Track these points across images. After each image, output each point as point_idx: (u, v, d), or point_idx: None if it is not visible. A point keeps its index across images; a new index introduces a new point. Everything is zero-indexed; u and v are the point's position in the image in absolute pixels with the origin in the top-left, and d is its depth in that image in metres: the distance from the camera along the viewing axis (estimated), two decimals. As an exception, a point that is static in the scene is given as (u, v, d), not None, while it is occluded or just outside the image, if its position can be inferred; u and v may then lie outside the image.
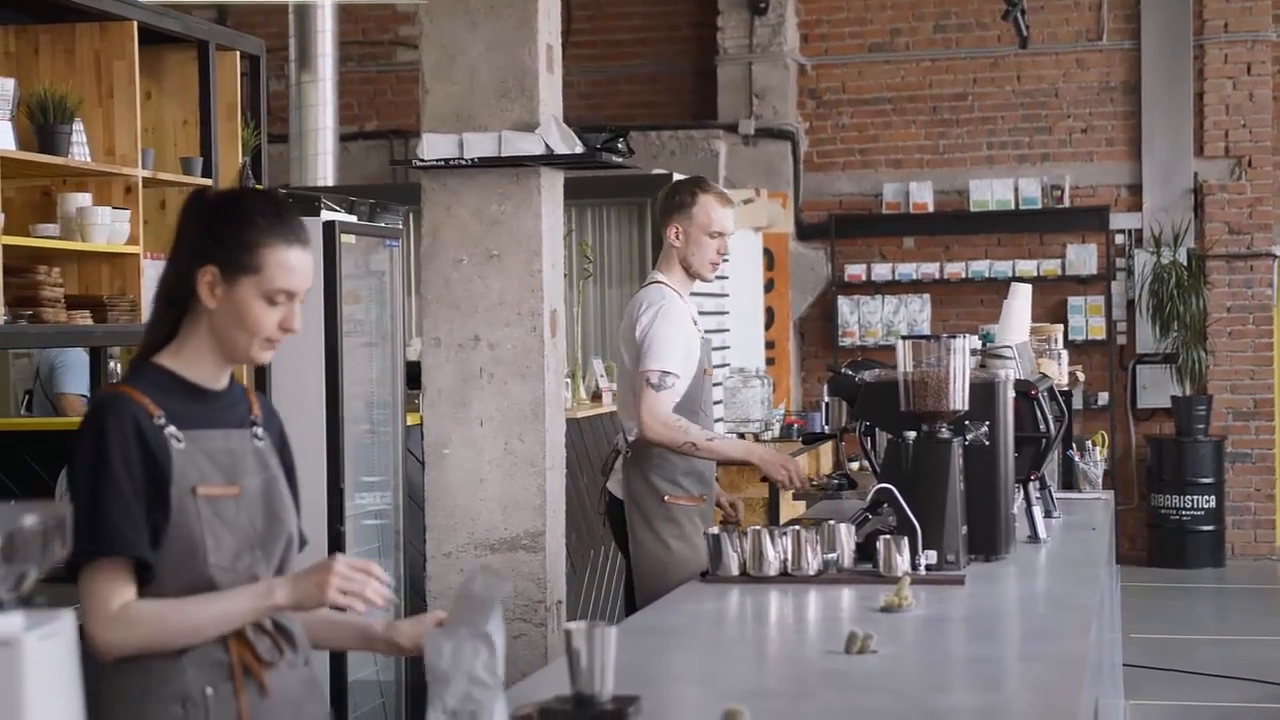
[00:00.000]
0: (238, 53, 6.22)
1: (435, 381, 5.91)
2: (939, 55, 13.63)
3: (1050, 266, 13.17)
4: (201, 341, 2.94)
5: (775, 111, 13.59)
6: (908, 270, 13.45)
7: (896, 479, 4.53)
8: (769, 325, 13.01)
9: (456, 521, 5.85)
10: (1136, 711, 8.11)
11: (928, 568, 4.42)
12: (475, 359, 5.97)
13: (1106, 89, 13.39)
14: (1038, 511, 5.24)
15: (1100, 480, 6.71)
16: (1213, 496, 12.80)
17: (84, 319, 5.23)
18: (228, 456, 2.95)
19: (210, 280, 2.89)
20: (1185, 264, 12.90)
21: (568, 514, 6.22)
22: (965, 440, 4.65)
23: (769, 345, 13.00)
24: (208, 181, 5.88)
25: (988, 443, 4.73)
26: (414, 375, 6.28)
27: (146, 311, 5.56)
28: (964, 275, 13.35)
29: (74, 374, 7.20)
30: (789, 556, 4.43)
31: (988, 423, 4.72)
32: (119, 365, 6.44)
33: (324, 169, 10.63)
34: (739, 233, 9.35)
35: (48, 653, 1.85)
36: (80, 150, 5.31)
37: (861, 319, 13.52)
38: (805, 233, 13.67)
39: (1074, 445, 6.78)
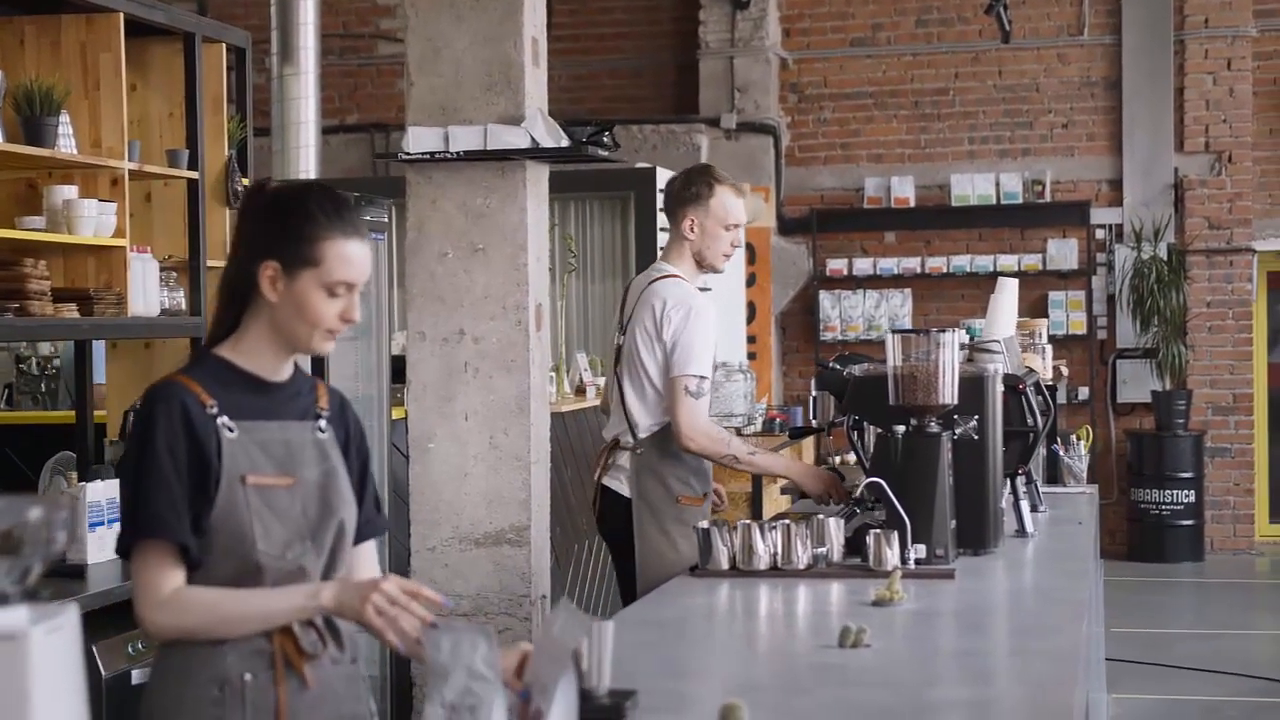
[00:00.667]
0: (224, 45, 6.19)
1: (420, 375, 5.91)
2: (920, 50, 13.65)
3: (1031, 261, 13.19)
4: (262, 334, 2.98)
5: (757, 106, 13.59)
6: (889, 265, 13.47)
7: (886, 473, 4.53)
8: (750, 320, 13.02)
9: (441, 516, 5.84)
10: (1119, 705, 8.13)
11: (917, 562, 4.42)
12: (460, 353, 5.97)
13: (1087, 84, 13.42)
14: (1025, 506, 5.25)
15: (1085, 475, 6.73)
16: (1192, 491, 12.84)
17: (70, 312, 5.20)
18: (283, 448, 2.98)
19: (272, 275, 2.94)
20: (1165, 259, 12.93)
21: (552, 508, 6.21)
22: (954, 434, 4.65)
23: (750, 340, 13.01)
24: (194, 174, 5.86)
25: (976, 437, 4.73)
26: (398, 369, 6.27)
27: (133, 304, 5.55)
28: (945, 270, 13.36)
29: None
30: (779, 551, 4.43)
31: (976, 417, 4.72)
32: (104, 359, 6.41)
33: (306, 162, 10.55)
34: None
35: (53, 646, 1.84)
36: (66, 142, 5.29)
37: (843, 314, 13.53)
38: (787, 227, 13.68)
39: (1058, 440, 6.79)
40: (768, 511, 9.37)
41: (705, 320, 5.26)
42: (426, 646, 2.65)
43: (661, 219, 10.21)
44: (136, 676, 4.62)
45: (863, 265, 13.50)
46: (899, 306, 13.45)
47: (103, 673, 4.55)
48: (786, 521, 4.49)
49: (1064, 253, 13.22)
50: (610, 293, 10.49)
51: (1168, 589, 12.02)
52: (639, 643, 3.56)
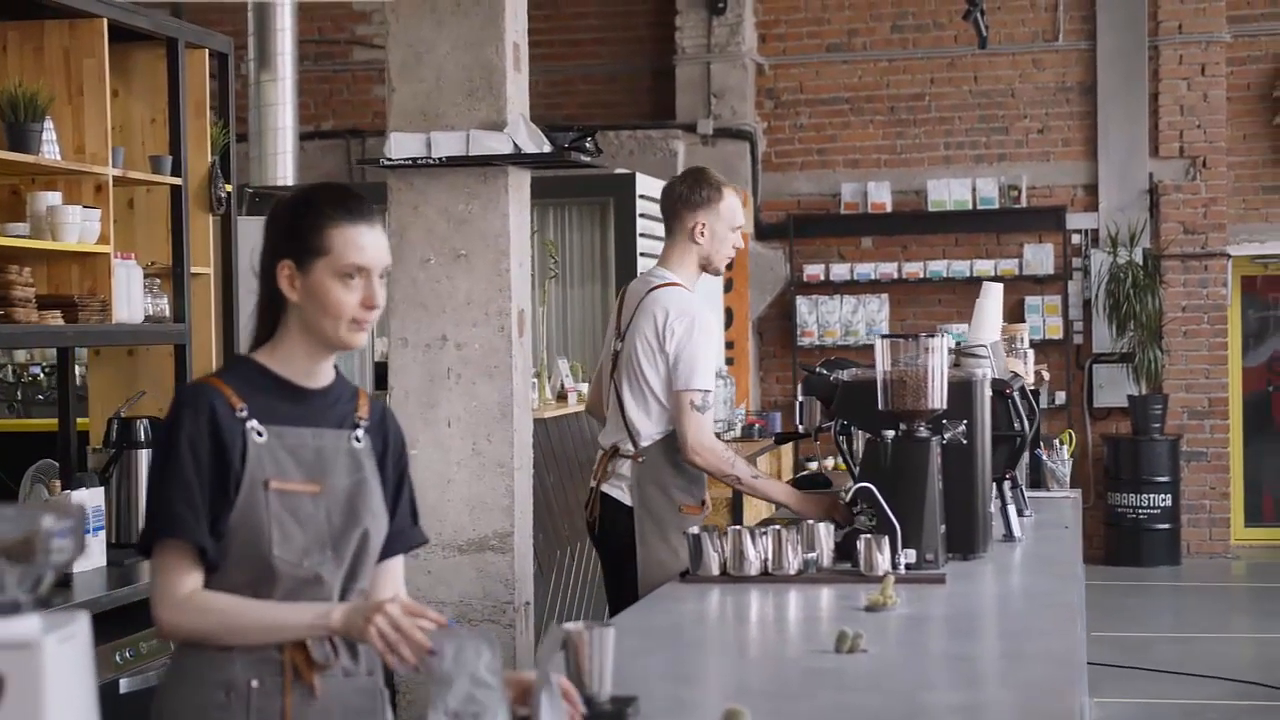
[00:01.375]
0: (206, 50, 6.16)
1: (402, 382, 5.89)
2: (896, 55, 13.67)
3: (1007, 266, 13.22)
4: (294, 338, 2.99)
5: (733, 111, 13.60)
6: (866, 270, 13.48)
7: (875, 478, 4.53)
8: (728, 325, 13.02)
9: (424, 522, 5.81)
10: (1101, 709, 8.15)
11: (907, 567, 4.42)
12: (443, 359, 5.96)
13: (1063, 89, 13.46)
14: (1012, 510, 5.26)
15: (1068, 479, 6.74)
16: (1169, 495, 12.88)
17: (55, 319, 5.17)
18: (314, 455, 2.98)
19: (288, 274, 2.96)
20: (1141, 264, 12.98)
21: (535, 515, 6.20)
22: (943, 439, 4.65)
23: (728, 345, 13.01)
24: (177, 181, 5.83)
25: (965, 441, 4.73)
26: (381, 375, 6.25)
27: (117, 312, 5.52)
28: (922, 275, 13.38)
29: None
30: (769, 556, 4.43)
31: (965, 422, 4.73)
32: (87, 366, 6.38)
33: (284, 168, 10.57)
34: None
35: (66, 655, 1.84)
36: (50, 148, 5.26)
37: (820, 319, 13.54)
38: (763, 233, 13.69)
39: (1041, 444, 6.80)
40: (748, 517, 9.38)
41: (709, 331, 5.21)
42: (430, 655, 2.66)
43: (643, 225, 10.22)
44: (125, 685, 4.59)
45: (839, 271, 13.52)
46: (876, 312, 13.47)
47: (91, 681, 4.51)
48: (777, 527, 4.48)
49: (1040, 258, 13.26)
50: (589, 298, 10.47)
51: (1145, 593, 12.05)
52: (633, 649, 3.54)
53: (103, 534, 5.13)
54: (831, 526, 4.58)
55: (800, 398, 5.38)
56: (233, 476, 2.90)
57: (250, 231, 6.69)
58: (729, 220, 5.33)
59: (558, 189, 9.65)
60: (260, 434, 2.93)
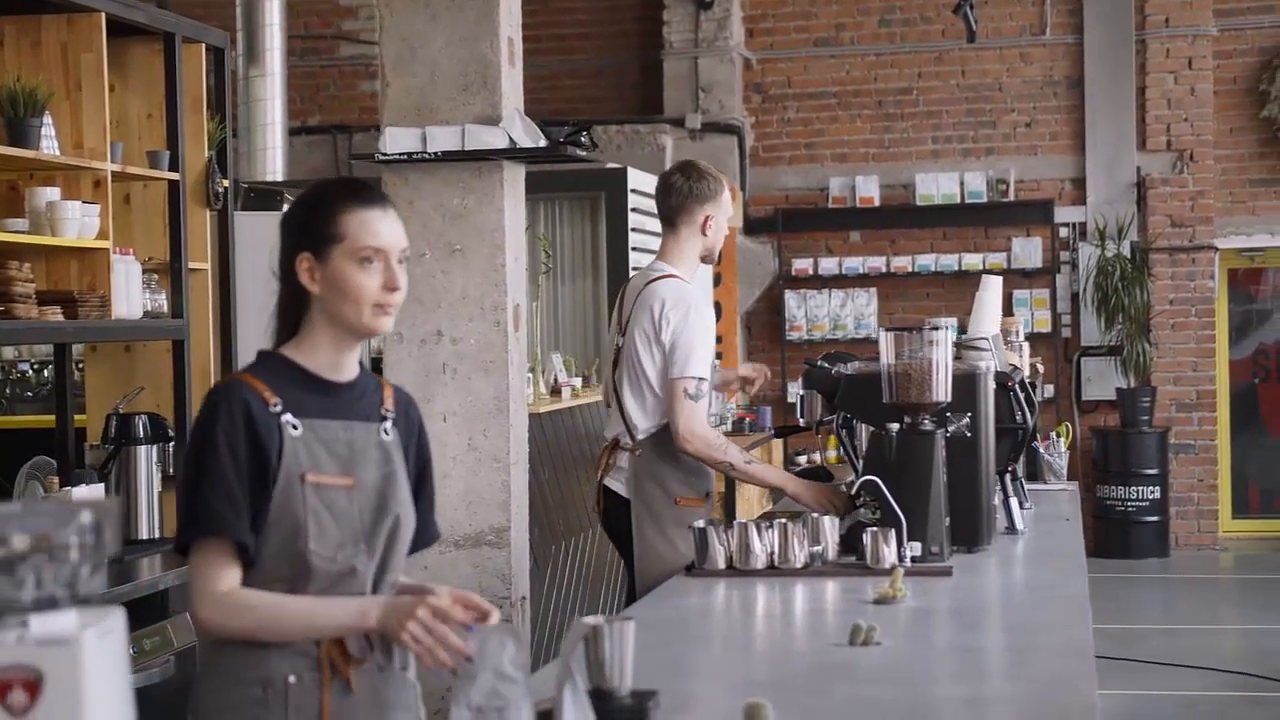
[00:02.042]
0: (203, 45, 6.14)
1: (397, 377, 5.87)
2: (884, 50, 13.67)
3: (996, 260, 13.23)
4: (320, 330, 2.99)
5: (721, 106, 13.60)
6: (854, 264, 13.49)
7: (880, 471, 4.53)
8: (717, 319, 12.99)
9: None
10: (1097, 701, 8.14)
11: (913, 560, 4.42)
12: (438, 354, 5.95)
13: (1050, 83, 13.47)
14: (1015, 503, 5.26)
15: (1065, 471, 6.75)
16: (1157, 487, 12.91)
17: (55, 315, 5.15)
18: (346, 448, 2.97)
19: (307, 266, 2.95)
20: (1129, 257, 13.00)
21: (530, 510, 6.19)
22: (947, 432, 4.65)
23: (717, 339, 12.97)
24: (174, 176, 5.81)
25: (969, 434, 4.73)
26: (376, 370, 6.22)
27: (116, 307, 5.49)
28: (910, 269, 13.39)
29: None
30: (775, 550, 4.43)
31: (969, 414, 4.73)
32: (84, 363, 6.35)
33: (273, 164, 10.52)
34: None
35: (104, 649, 1.84)
36: (49, 144, 5.23)
37: (808, 313, 13.54)
38: (752, 227, 13.68)
39: (1037, 436, 6.80)
40: (741, 511, 9.38)
41: (703, 319, 5.23)
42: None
43: (635, 219, 10.20)
44: (128, 682, 4.57)
45: (828, 265, 13.52)
46: (864, 306, 13.47)
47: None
48: (783, 521, 4.48)
49: (1028, 251, 13.27)
50: (581, 293, 10.46)
51: (1134, 585, 12.08)
52: (644, 643, 3.53)
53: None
54: (836, 520, 4.58)
55: (801, 391, 5.37)
56: (270, 471, 2.89)
57: (246, 227, 6.68)
58: (727, 211, 5.44)
59: (549, 184, 9.64)
60: (295, 427, 2.92)
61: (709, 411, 5.32)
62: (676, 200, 5.34)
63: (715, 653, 3.67)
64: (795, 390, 13.24)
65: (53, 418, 5.94)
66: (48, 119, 5.21)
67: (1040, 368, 7.61)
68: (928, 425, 4.58)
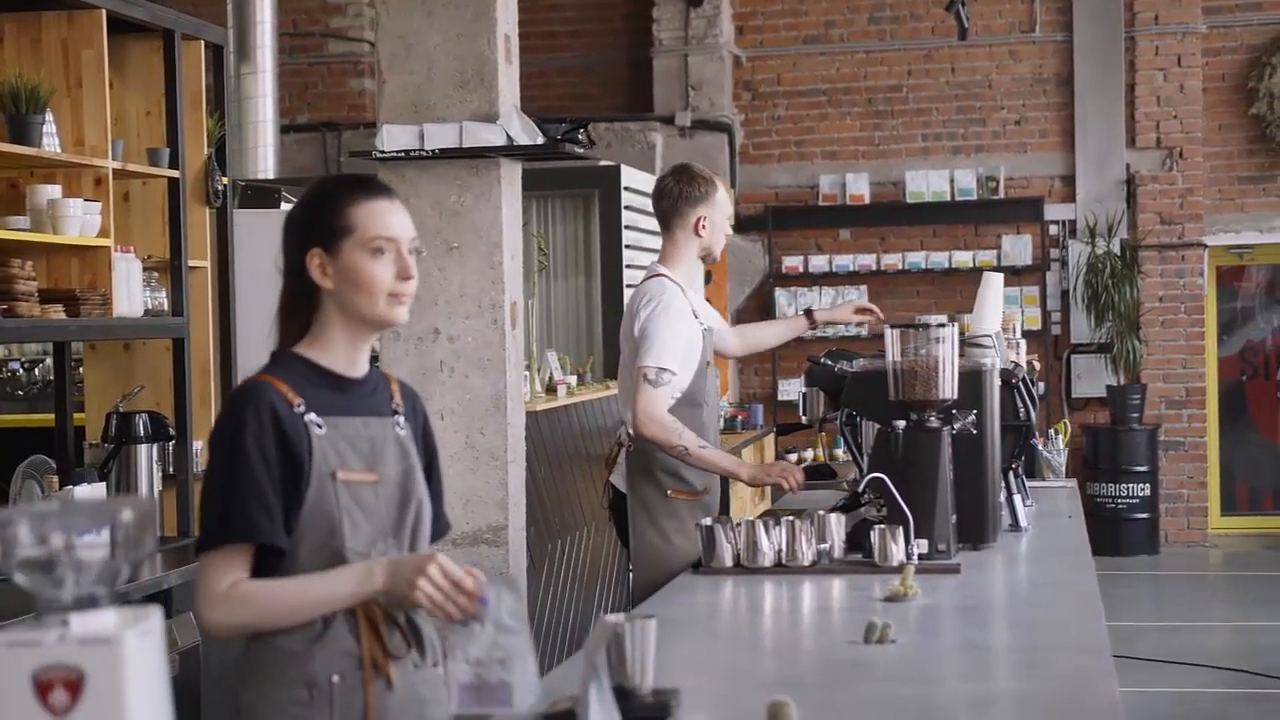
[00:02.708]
0: (202, 42, 6.12)
1: (395, 375, 5.85)
2: (873, 47, 13.68)
3: (985, 258, 13.23)
4: (334, 326, 2.97)
5: (711, 103, 13.59)
6: (844, 262, 13.49)
7: (887, 468, 4.53)
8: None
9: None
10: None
11: (920, 557, 4.42)
12: (435, 352, 5.94)
13: (1039, 81, 13.49)
14: (1018, 500, 5.27)
15: (1064, 469, 6.76)
16: (1147, 485, 12.93)
17: (57, 313, 5.13)
18: (368, 444, 2.96)
19: (319, 262, 2.94)
20: (1119, 254, 13.01)
21: (526, 508, 6.18)
22: (953, 429, 4.65)
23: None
24: (174, 173, 5.79)
25: (975, 431, 4.73)
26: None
27: (118, 305, 5.47)
28: (900, 266, 13.39)
29: None
30: (783, 547, 4.43)
31: (975, 411, 4.73)
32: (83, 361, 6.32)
33: (264, 162, 10.50)
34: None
35: (144, 649, 1.83)
36: (50, 141, 5.21)
37: (799, 311, 13.48)
38: (742, 225, 13.67)
39: (1036, 434, 6.81)
40: (734, 510, 9.37)
41: (673, 312, 5.26)
42: None
43: (629, 217, 10.19)
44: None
45: (818, 262, 13.52)
46: (854, 303, 13.44)
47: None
48: (791, 518, 4.48)
49: (1018, 249, 13.28)
50: (575, 291, 10.44)
51: (1124, 582, 12.09)
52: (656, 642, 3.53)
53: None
54: (843, 518, 4.58)
55: (804, 388, 5.39)
56: (304, 472, 2.87)
57: (244, 224, 6.67)
58: (724, 210, 5.49)
59: (542, 181, 9.62)
60: (320, 426, 2.91)
61: (708, 398, 5.41)
62: (668, 203, 5.43)
63: (729, 651, 3.66)
64: (786, 388, 13.32)
65: (44, 416, 5.92)
66: (49, 116, 5.19)
67: (1037, 364, 7.62)
68: (934, 422, 4.59)
